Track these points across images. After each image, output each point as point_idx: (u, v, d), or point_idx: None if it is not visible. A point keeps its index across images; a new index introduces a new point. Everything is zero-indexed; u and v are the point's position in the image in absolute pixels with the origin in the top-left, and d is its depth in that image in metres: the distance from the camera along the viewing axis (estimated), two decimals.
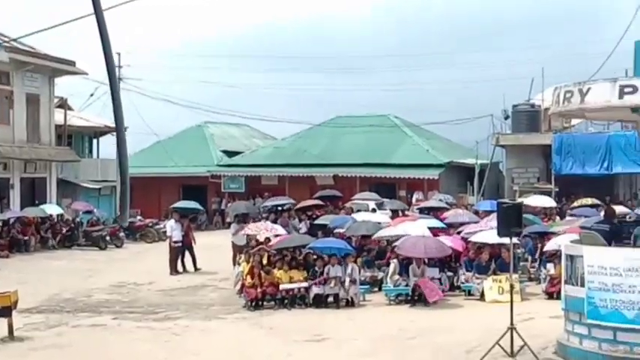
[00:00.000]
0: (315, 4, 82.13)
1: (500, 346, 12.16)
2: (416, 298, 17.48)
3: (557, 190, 31.60)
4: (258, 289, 17.57)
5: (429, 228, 20.12)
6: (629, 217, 14.97)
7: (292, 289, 17.62)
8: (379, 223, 22.25)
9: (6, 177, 31.64)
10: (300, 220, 24.81)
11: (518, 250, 19.68)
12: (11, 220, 28.73)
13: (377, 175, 37.09)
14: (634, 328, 11.19)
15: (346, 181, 36.92)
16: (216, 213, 40.61)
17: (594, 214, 21.87)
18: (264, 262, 18.32)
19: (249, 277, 17.73)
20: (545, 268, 18.46)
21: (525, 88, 34.92)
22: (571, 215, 24.57)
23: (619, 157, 30.99)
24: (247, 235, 21.29)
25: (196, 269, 23.64)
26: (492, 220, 17.30)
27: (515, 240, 14.07)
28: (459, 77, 68.71)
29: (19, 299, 14.66)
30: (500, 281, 17.63)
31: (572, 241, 13.03)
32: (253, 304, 17.47)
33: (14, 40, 27.26)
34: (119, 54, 36.68)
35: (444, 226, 22.01)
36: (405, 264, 18.04)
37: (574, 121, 30.23)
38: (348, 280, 17.49)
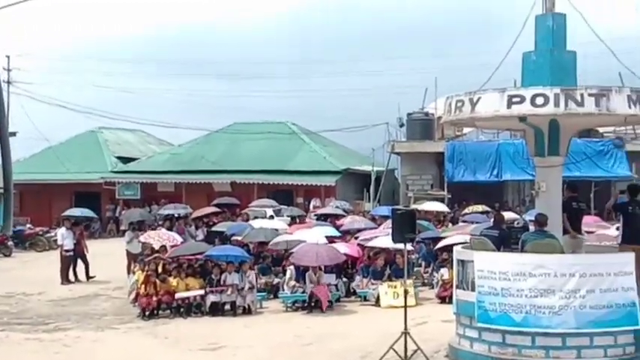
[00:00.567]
0: (218, 9, 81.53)
1: (394, 350, 12.35)
2: (312, 305, 17.58)
3: (449, 196, 32.39)
4: (154, 298, 17.30)
5: (327, 237, 20.29)
6: (517, 223, 15.56)
7: (188, 298, 17.44)
8: (277, 230, 22.29)
9: None
10: (197, 228, 24.60)
11: (413, 256, 20.06)
12: None
13: (274, 182, 37.10)
14: (522, 331, 11.55)
15: (244, 187, 36.77)
16: (110, 220, 39.70)
17: (485, 221, 22.55)
18: (160, 270, 18.07)
19: (144, 285, 17.43)
20: (438, 272, 18.89)
21: (420, 96, 35.76)
22: (463, 221, 25.24)
23: (508, 165, 32.04)
24: (142, 243, 20.99)
25: (89, 278, 23.13)
26: (389, 226, 17.60)
27: (409, 246, 14.33)
28: (356, 85, 69.49)
29: None
30: (394, 287, 17.93)
31: (463, 247, 13.38)
32: (148, 313, 17.19)
33: None
34: (8, 57, 35.42)
35: (339, 234, 22.23)
36: (301, 271, 18.14)
37: (466, 130, 31.05)
38: (247, 287, 17.44)
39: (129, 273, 20.56)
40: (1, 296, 20.37)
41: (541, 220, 12.40)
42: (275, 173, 37.44)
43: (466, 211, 28.35)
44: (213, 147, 41.07)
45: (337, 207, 29.61)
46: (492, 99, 11.80)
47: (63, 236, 23.16)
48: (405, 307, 12.81)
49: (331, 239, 20.64)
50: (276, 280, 19.34)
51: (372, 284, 18.64)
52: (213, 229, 23.55)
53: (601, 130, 30.00)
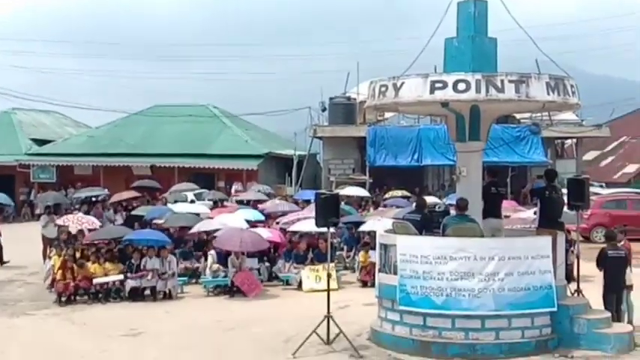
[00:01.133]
0: None
1: (317, 334, 12.38)
2: (235, 290, 17.47)
3: (371, 181, 32.68)
4: (71, 284, 16.90)
5: (248, 221, 20.17)
6: (439, 208, 15.74)
7: (107, 283, 17.10)
8: (198, 214, 22.06)
9: None
10: (116, 212, 24.15)
11: (335, 240, 20.15)
12: None
13: (196, 165, 36.69)
14: (442, 314, 11.75)
15: (164, 171, 36.25)
16: (24, 204, 38.64)
17: (407, 205, 22.81)
18: (78, 255, 17.66)
19: (60, 271, 17.00)
20: (359, 256, 19.02)
21: (342, 81, 35.86)
22: (384, 206, 25.51)
23: (429, 150, 32.54)
24: (59, 227, 20.50)
25: (3, 263, 22.51)
26: (312, 210, 17.60)
27: (332, 230, 14.36)
28: (279, 69, 69.40)
29: None
30: (317, 270, 17.98)
31: (386, 231, 13.47)
32: (64, 299, 16.78)
33: None
34: None
35: (262, 218, 22.15)
36: (223, 255, 18.00)
37: (387, 115, 31.33)
38: (168, 272, 17.20)
39: (45, 258, 20.09)
40: None
41: (462, 205, 12.59)
42: (196, 157, 37.06)
43: (387, 195, 28.68)
44: (133, 129, 40.35)
45: (259, 191, 29.50)
46: (415, 84, 11.90)
47: None
48: (328, 290, 12.83)
49: (253, 224, 20.53)
50: (197, 265, 19.15)
51: (295, 268, 18.65)
52: (133, 213, 23.16)
53: (518, 116, 30.73)
